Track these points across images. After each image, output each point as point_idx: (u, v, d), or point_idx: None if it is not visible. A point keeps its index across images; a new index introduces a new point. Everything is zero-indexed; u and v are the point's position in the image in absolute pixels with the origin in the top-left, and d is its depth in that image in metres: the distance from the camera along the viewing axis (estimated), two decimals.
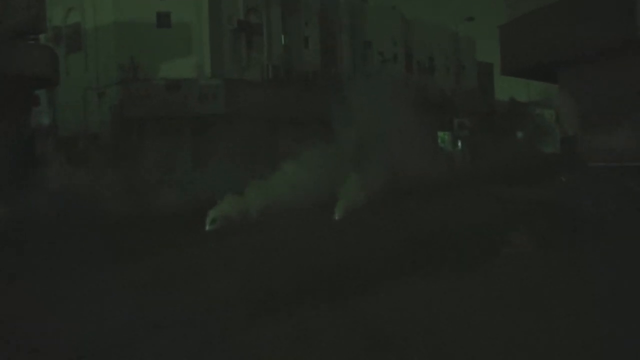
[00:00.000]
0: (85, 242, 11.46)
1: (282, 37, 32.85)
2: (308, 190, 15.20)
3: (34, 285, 8.38)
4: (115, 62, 28.29)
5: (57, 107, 28.25)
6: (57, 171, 24.56)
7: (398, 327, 6.10)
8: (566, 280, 7.70)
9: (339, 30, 36.75)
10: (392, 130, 18.38)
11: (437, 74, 44.78)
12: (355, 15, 37.89)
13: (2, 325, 6.57)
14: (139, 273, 8.91)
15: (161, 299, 7.36)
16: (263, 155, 23.47)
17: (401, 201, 16.94)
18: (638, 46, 16.33)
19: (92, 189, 19.43)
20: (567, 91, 20.04)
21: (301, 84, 32.53)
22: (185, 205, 16.42)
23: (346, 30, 37.13)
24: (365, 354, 5.53)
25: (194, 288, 7.87)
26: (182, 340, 5.99)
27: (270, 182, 14.96)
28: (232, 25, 30.07)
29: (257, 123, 28.47)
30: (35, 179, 18.32)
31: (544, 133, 48.23)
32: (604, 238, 10.46)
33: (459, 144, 39.76)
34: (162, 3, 28.73)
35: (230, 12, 30.18)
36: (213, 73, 29.00)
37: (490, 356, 5.40)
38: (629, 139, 17.37)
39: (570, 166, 19.97)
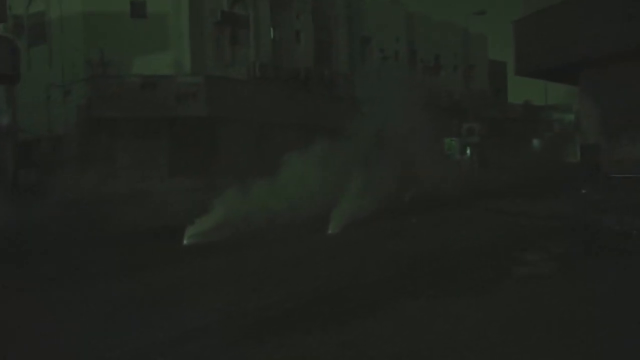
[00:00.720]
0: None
1: (271, 30, 32.97)
2: (298, 202, 15.27)
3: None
4: (83, 57, 28.29)
5: (18, 106, 28.22)
6: (16, 177, 24.58)
7: (396, 353, 6.15)
8: (583, 306, 7.76)
9: (335, 24, 36.92)
10: (396, 135, 18.51)
11: (444, 74, 45.05)
12: (352, 7, 38.08)
13: None
14: (107, 297, 8.93)
15: (124, 327, 7.39)
16: (248, 162, 23.54)
17: (404, 214, 17.04)
18: None
19: (52, 198, 19.49)
20: (588, 94, 20.19)
21: (292, 83, 32.64)
22: (159, 218, 16.45)
23: (342, 24, 37.31)
24: None
25: (173, 313, 7.89)
26: None
27: (255, 192, 14.99)
28: (215, 17, 30.16)
29: (242, 126, 28.56)
30: None
31: (561, 140, 48.52)
32: (628, 259, 10.56)
33: (468, 151, 39.94)
34: None
35: (213, 2, 30.27)
36: (193, 70, 29.04)
37: None
38: None
39: (591, 177, 20.09)
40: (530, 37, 21.39)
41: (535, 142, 50.57)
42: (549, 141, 49.31)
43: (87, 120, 27.91)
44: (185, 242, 13.25)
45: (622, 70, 18.50)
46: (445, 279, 9.36)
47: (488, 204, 18.59)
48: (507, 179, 27.79)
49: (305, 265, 10.76)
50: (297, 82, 33.05)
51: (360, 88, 32.47)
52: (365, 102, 20.93)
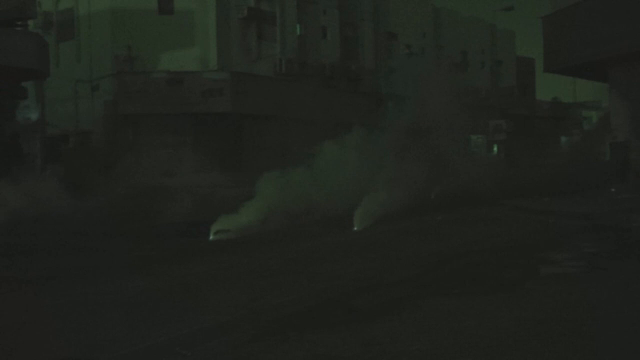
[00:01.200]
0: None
1: (297, 27, 32.96)
2: (323, 199, 15.23)
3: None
4: (110, 52, 28.54)
5: (46, 101, 28.52)
6: (44, 171, 24.85)
7: (420, 352, 6.05)
8: (611, 307, 7.60)
9: (361, 20, 36.81)
10: (422, 132, 18.38)
11: (471, 70, 44.69)
12: (378, 3, 37.91)
13: None
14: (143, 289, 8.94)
15: (148, 322, 7.38)
16: (273, 159, 23.52)
17: (429, 212, 16.91)
18: None
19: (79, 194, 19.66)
20: (618, 91, 19.90)
21: (318, 79, 32.59)
22: (183, 214, 16.52)
23: (368, 20, 37.18)
24: None
25: (195, 305, 7.87)
26: None
27: (280, 190, 14.95)
28: (241, 14, 30.21)
29: (267, 122, 28.59)
30: (20, 180, 18.52)
31: (591, 138, 47.94)
32: None
33: (495, 148, 39.61)
34: None
35: None
36: (219, 66, 29.14)
37: None
38: None
39: (621, 175, 19.82)
40: (560, 33, 21.13)
41: (564, 139, 50.02)
42: (578, 139, 48.74)
43: (114, 115, 28.13)
44: (210, 237, 13.26)
45: None
46: (471, 277, 9.24)
47: (515, 202, 18.37)
48: (534, 177, 27.48)
49: (328, 262, 10.70)
50: (323, 78, 33.00)
51: (386, 84, 32.33)
52: (392, 98, 20.80)
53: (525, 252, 11.19)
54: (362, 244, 12.80)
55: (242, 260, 11.12)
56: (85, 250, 12.33)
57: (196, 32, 29.24)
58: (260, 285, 8.87)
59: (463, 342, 6.30)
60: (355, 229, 14.35)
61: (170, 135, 27.64)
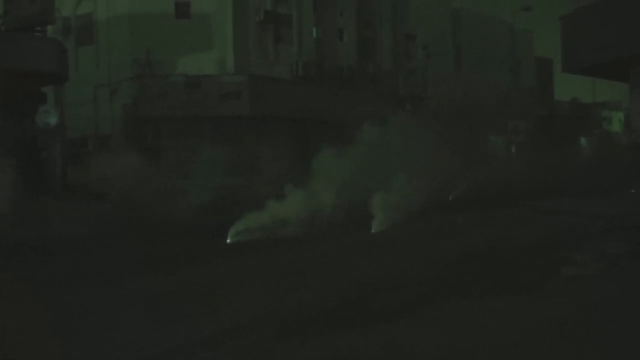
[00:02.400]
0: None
1: (314, 29, 32.99)
2: (341, 200, 15.26)
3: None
4: (129, 57, 28.71)
5: (66, 106, 28.76)
6: (65, 174, 25.08)
7: (441, 353, 6.06)
8: (633, 308, 7.56)
9: (379, 22, 36.76)
10: (441, 133, 18.35)
11: (490, 71, 44.46)
12: (397, 4, 37.86)
13: None
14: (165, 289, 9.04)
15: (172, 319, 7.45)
16: (292, 161, 23.55)
17: (448, 213, 16.87)
18: None
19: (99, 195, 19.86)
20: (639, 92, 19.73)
21: (335, 81, 32.60)
22: (203, 216, 16.63)
23: (386, 21, 37.12)
24: None
25: (215, 307, 7.92)
26: None
27: (298, 192, 14.98)
28: (258, 17, 30.30)
29: (285, 125, 28.65)
30: (40, 185, 18.72)
31: (611, 139, 47.52)
32: None
33: (514, 150, 39.42)
34: None
35: (256, 1, 30.41)
36: (237, 69, 29.22)
37: None
38: None
39: None
40: (579, 33, 20.98)
41: (583, 140, 49.64)
42: (598, 140, 48.37)
43: (134, 119, 28.31)
44: (229, 240, 13.33)
45: None
46: (491, 278, 9.22)
47: (535, 204, 18.28)
48: (554, 178, 27.32)
49: (348, 263, 10.74)
50: (341, 80, 32.99)
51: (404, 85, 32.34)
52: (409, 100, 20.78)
53: (546, 254, 11.13)
54: (382, 244, 12.82)
55: (262, 261, 11.18)
56: (107, 251, 12.45)
57: (214, 35, 29.36)
58: (280, 286, 8.92)
59: (483, 342, 6.30)
60: (374, 230, 14.35)
61: (189, 138, 27.75)
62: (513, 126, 38.81)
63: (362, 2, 35.37)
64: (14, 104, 21.73)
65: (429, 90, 37.40)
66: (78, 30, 31.64)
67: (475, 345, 6.24)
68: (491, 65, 44.47)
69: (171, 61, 28.47)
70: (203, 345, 6.51)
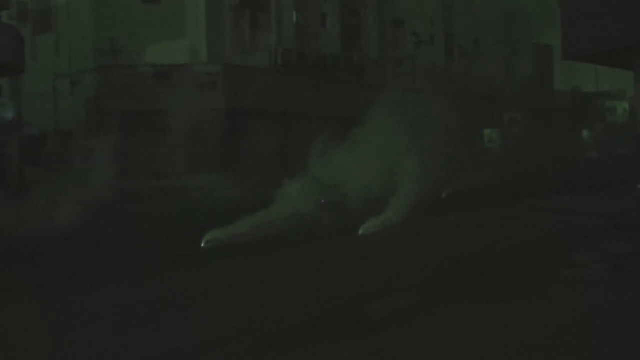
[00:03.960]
0: None
1: (295, 14, 33.00)
2: (324, 201, 15.31)
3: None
4: (92, 45, 28.58)
5: (23, 98, 28.61)
6: (22, 174, 24.92)
7: None
8: (637, 312, 7.68)
9: (364, 6, 36.85)
10: (431, 128, 18.42)
11: (484, 59, 44.72)
12: None
13: None
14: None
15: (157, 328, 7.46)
16: (271, 157, 23.60)
17: (441, 213, 16.96)
18: None
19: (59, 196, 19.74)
20: None
21: (317, 70, 32.64)
22: (175, 219, 16.60)
23: (372, 6, 37.21)
24: None
25: (190, 317, 7.94)
26: None
27: (282, 192, 15.01)
28: (233, 1, 30.26)
29: (263, 118, 28.63)
30: None
31: (615, 131, 47.96)
32: None
33: (510, 143, 39.65)
34: None
35: None
36: (210, 58, 29.19)
37: None
38: None
39: None
40: (580, 17, 21.13)
41: (585, 133, 50.05)
42: (601, 132, 48.80)
43: (97, 113, 28.17)
44: (203, 244, 13.31)
45: None
46: (487, 282, 9.30)
47: (533, 201, 18.43)
48: (553, 173, 27.54)
49: (334, 268, 10.76)
50: (323, 70, 33.04)
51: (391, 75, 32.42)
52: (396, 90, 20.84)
53: (545, 254, 11.25)
54: (370, 247, 12.85)
55: (242, 267, 11.18)
56: (75, 257, 12.39)
57: (185, 21, 29.32)
58: (261, 294, 8.93)
59: (479, 351, 6.38)
60: (361, 232, 14.39)
61: (158, 133, 27.65)
62: (509, 118, 39.07)
63: None
64: None
65: (418, 80, 37.54)
66: (35, 16, 31.45)
67: (469, 355, 6.31)
68: (485, 52, 44.73)
69: (138, 49, 28.37)
70: (178, 356, 6.53)
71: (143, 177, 24.36)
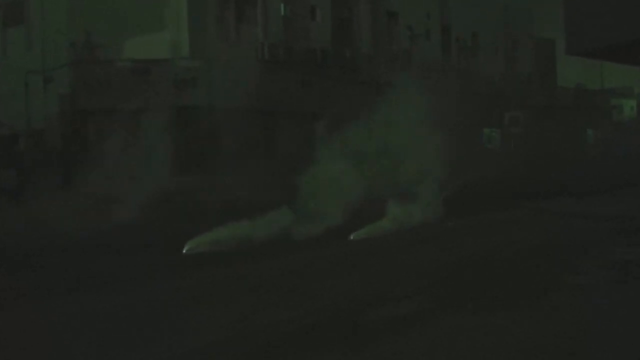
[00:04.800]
0: None
1: (282, 6, 32.99)
2: (316, 204, 15.34)
3: None
4: (66, 39, 28.46)
5: None
6: None
7: None
8: None
9: None
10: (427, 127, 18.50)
11: (483, 55, 44.85)
12: None
13: None
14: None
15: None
16: (256, 158, 23.58)
17: (439, 216, 16.98)
18: None
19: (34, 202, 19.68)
20: None
21: (307, 66, 32.62)
22: (157, 224, 16.58)
23: None
24: None
25: (174, 327, 7.94)
26: None
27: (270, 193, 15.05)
28: None
29: (249, 116, 28.59)
30: None
31: (622, 130, 48.18)
32: None
33: (511, 144, 39.79)
34: None
35: None
36: (193, 52, 29.13)
37: None
38: None
39: None
40: (585, 10, 21.23)
41: (590, 132, 50.24)
42: (607, 131, 49.01)
43: (71, 111, 28.07)
44: (185, 250, 13.30)
45: None
46: (488, 290, 9.33)
47: (535, 204, 18.50)
48: (556, 175, 27.67)
49: (326, 275, 10.78)
50: (313, 65, 33.02)
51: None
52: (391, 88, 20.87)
53: (549, 260, 11.30)
54: (364, 253, 12.88)
55: (228, 275, 11.18)
56: (43, 268, 12.35)
57: (165, 14, 29.22)
58: (248, 303, 8.94)
59: None
60: (353, 237, 14.41)
61: (137, 133, 27.56)
62: (510, 117, 39.16)
63: None
64: None
65: (413, 77, 37.55)
66: (6, 7, 31.30)
67: None
68: (484, 47, 44.83)
69: (116, 44, 28.27)
70: None
71: (121, 181, 24.27)
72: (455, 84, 35.50)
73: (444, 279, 10.18)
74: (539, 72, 50.70)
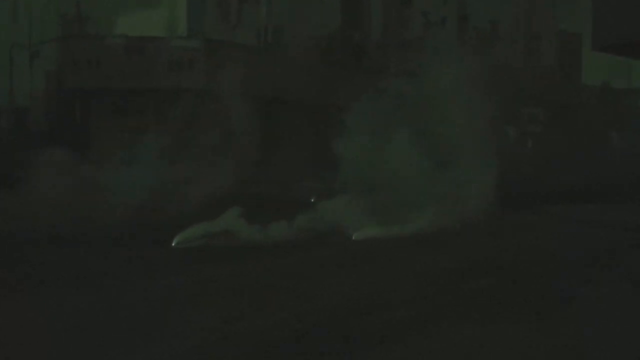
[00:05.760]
0: None
1: None
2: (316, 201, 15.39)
3: None
4: (54, 12, 28.43)
5: None
6: None
7: None
8: None
9: None
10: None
11: (501, 46, 44.70)
12: None
13: None
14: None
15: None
16: (255, 147, 23.51)
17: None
18: None
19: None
20: None
21: (312, 51, 32.57)
22: (143, 215, 16.56)
23: None
24: None
25: (160, 328, 7.92)
26: None
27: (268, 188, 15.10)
28: None
29: (248, 103, 28.55)
30: None
31: None
32: None
33: (529, 143, 39.72)
34: None
35: None
36: (190, 32, 29.10)
37: None
38: None
39: None
40: (615, 3, 21.14)
41: (615, 133, 50.09)
42: (633, 133, 48.84)
43: (58, 90, 28.05)
44: (174, 244, 13.29)
45: None
46: (495, 299, 9.30)
47: (552, 209, 18.46)
48: (577, 179, 27.61)
49: (320, 277, 10.76)
50: (319, 51, 32.97)
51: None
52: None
53: (561, 270, 11.26)
54: (362, 255, 12.85)
55: (217, 274, 11.15)
56: (26, 261, 12.34)
57: None
58: (236, 305, 8.92)
59: None
60: (354, 237, 14.40)
61: (128, 116, 27.56)
62: (528, 114, 39.10)
63: None
64: None
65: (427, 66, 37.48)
66: None
67: None
68: (503, 38, 44.68)
69: (108, 19, 28.25)
70: None
71: (109, 166, 24.26)
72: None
73: (445, 285, 10.14)
74: (562, 67, 50.50)
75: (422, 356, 6.93)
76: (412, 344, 7.29)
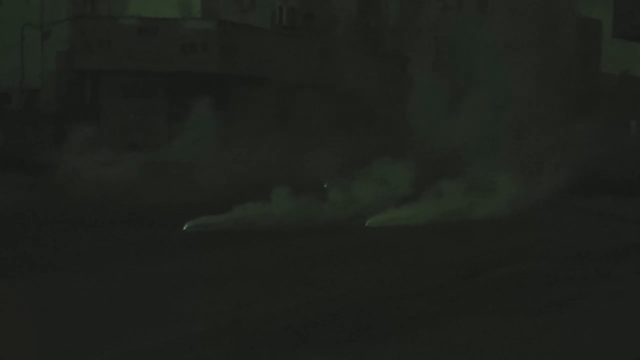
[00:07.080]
0: None
1: None
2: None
3: None
4: None
5: None
6: None
7: None
8: None
9: None
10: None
11: (520, 31, 44.39)
12: None
13: None
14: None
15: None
16: (270, 133, 23.50)
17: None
18: None
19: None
20: None
21: (327, 35, 32.43)
22: (152, 198, 16.65)
23: None
24: None
25: (167, 312, 7.94)
26: None
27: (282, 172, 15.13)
28: None
29: (262, 86, 28.51)
30: None
31: None
32: None
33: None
34: None
35: None
36: (204, 13, 29.05)
37: None
38: None
39: None
40: None
41: (635, 123, 49.79)
42: None
43: (70, 71, 28.07)
44: (185, 227, 13.34)
45: None
46: (510, 292, 9.27)
47: (567, 201, 18.37)
48: (593, 171, 27.46)
49: (332, 265, 10.75)
50: (334, 35, 32.84)
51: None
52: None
53: (581, 264, 11.21)
54: (376, 244, 12.84)
55: (226, 259, 11.16)
56: (37, 243, 12.40)
57: None
58: (247, 290, 8.93)
59: None
60: (368, 224, 14.40)
61: (139, 98, 27.57)
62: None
63: None
64: None
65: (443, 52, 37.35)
66: None
67: None
68: (522, 25, 44.39)
69: None
70: (151, 356, 6.52)
71: (120, 148, 24.30)
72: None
73: (461, 277, 10.11)
74: (582, 54, 50.16)
75: (434, 348, 6.91)
76: (422, 336, 7.27)
